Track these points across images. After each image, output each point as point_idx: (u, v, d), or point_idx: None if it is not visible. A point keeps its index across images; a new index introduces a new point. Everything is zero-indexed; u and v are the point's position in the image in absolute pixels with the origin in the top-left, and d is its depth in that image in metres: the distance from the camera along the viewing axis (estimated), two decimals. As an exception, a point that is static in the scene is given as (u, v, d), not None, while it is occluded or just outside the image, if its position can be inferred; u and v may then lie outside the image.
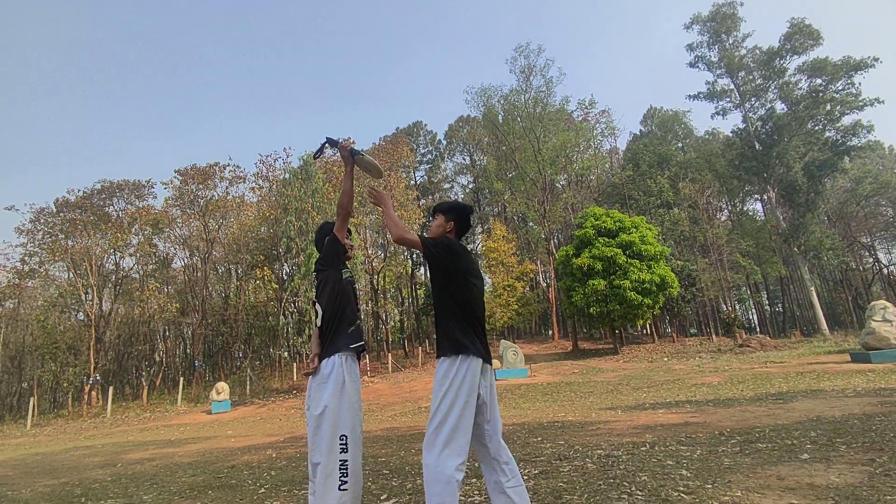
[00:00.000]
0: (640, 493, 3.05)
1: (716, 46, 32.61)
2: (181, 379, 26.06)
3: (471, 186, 49.65)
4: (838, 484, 2.93)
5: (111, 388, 24.18)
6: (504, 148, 35.37)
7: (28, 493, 5.44)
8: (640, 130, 46.67)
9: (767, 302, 44.77)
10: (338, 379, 2.52)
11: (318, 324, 2.70)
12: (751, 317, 45.12)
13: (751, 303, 43.07)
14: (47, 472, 7.20)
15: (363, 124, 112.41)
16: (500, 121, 34.43)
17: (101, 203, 32.13)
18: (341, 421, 2.46)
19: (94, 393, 26.83)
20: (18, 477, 6.98)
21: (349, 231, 2.91)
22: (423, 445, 2.28)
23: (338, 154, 2.83)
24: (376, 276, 33.49)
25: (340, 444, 2.42)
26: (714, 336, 28.83)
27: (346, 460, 2.41)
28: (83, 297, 29.95)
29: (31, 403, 23.26)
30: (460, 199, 47.65)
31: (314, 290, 2.84)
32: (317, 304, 2.73)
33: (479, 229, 45.94)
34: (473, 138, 47.43)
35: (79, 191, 31.56)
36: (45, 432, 19.31)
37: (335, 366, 2.54)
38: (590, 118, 38.28)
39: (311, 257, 22.19)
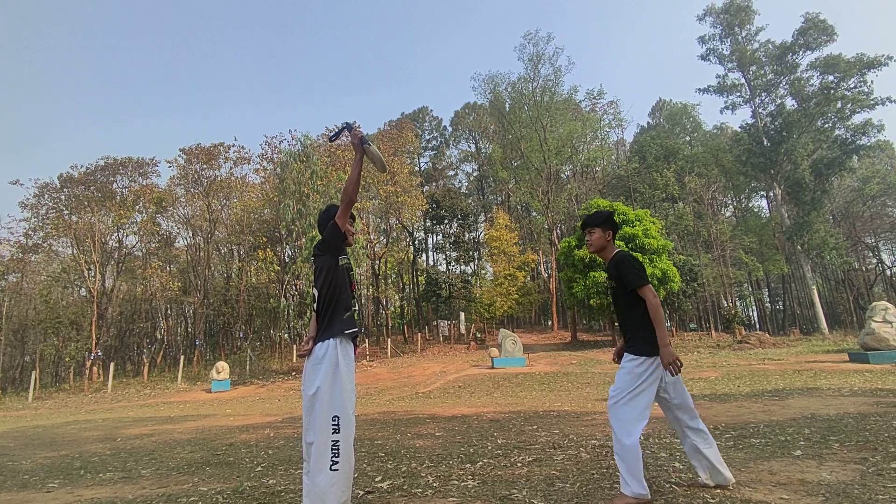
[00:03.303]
0: (632, 484, 3.06)
1: (728, 39, 32.12)
2: (182, 357, 26.27)
3: (475, 174, 49.41)
4: (830, 481, 2.94)
5: (112, 364, 24.39)
6: (510, 136, 35.10)
7: (28, 464, 5.51)
8: (648, 123, 46.24)
9: (768, 299, 44.71)
10: (331, 361, 2.56)
11: (315, 308, 2.74)
12: (751, 313, 45.08)
13: (751, 300, 43.03)
14: (47, 445, 7.30)
15: (368, 109, 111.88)
16: (507, 109, 34.12)
17: (105, 180, 32.12)
18: (334, 402, 2.50)
19: (95, 368, 27.10)
20: (19, 448, 7.07)
21: (352, 216, 2.90)
22: (611, 417, 2.78)
23: (349, 139, 2.84)
24: (378, 262, 33.52)
25: (333, 425, 2.47)
26: (713, 332, 28.87)
27: (338, 441, 2.45)
28: (86, 273, 30.12)
29: (33, 377, 23.50)
30: (463, 188, 47.66)
31: (313, 274, 2.86)
32: (314, 289, 2.76)
33: (481, 217, 45.84)
34: (479, 126, 47.05)
35: (83, 167, 31.61)
36: (47, 405, 19.54)
37: (329, 348, 2.58)
38: (598, 109, 37.93)
39: (312, 240, 22.13)
